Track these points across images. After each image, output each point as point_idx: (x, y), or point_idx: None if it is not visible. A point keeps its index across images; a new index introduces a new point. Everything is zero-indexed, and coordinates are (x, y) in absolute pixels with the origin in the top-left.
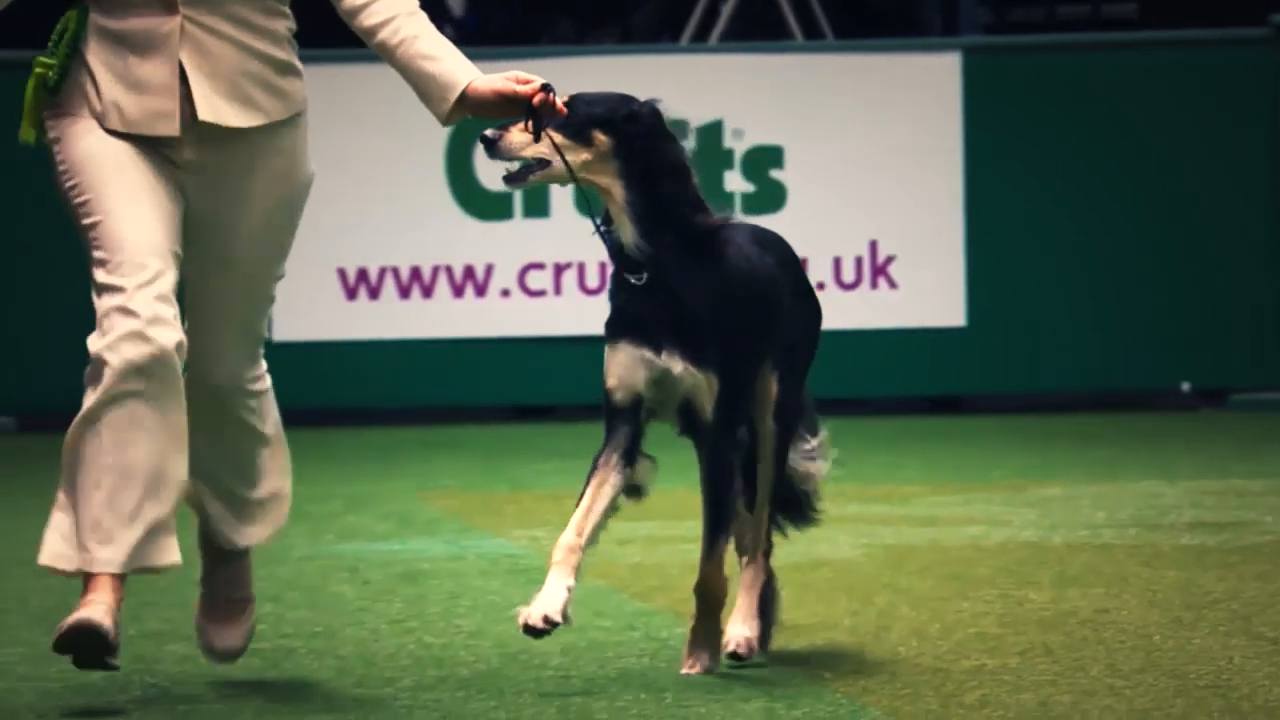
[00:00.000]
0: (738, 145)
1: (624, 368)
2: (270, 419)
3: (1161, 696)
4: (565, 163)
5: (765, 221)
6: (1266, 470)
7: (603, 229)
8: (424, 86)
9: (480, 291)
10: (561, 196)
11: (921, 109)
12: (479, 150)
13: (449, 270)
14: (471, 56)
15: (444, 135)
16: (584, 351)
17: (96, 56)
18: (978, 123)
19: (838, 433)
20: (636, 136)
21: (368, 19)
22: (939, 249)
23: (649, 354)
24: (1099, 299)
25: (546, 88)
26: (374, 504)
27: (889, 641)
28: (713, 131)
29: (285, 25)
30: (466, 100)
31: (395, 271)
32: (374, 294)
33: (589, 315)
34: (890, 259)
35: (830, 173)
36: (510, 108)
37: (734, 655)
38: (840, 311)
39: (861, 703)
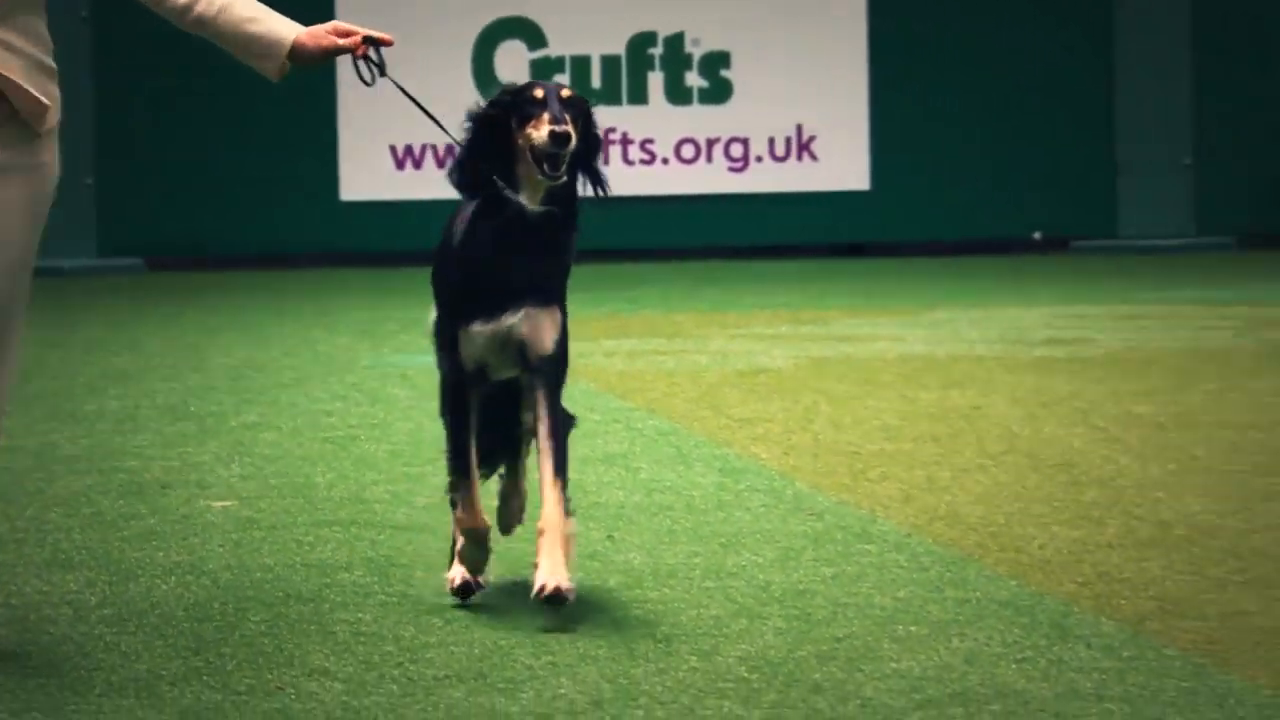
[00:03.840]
0: (695, 50)
1: (475, 346)
2: None
3: (1020, 473)
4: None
5: (716, 110)
6: (1100, 299)
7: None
8: (251, 47)
9: None
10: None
11: (837, 20)
12: (498, 53)
13: None
14: None
15: (470, 41)
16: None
17: None
18: (880, 34)
19: (776, 272)
20: (591, 131)
21: None
22: (849, 131)
23: (492, 326)
24: (970, 168)
25: (369, 40)
26: (422, 325)
27: (812, 430)
28: (677, 40)
29: (47, 32)
30: (294, 54)
31: (433, 148)
32: (417, 164)
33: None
34: (812, 138)
35: (767, 71)
36: (334, 57)
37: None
38: (774, 179)
39: (790, 478)
